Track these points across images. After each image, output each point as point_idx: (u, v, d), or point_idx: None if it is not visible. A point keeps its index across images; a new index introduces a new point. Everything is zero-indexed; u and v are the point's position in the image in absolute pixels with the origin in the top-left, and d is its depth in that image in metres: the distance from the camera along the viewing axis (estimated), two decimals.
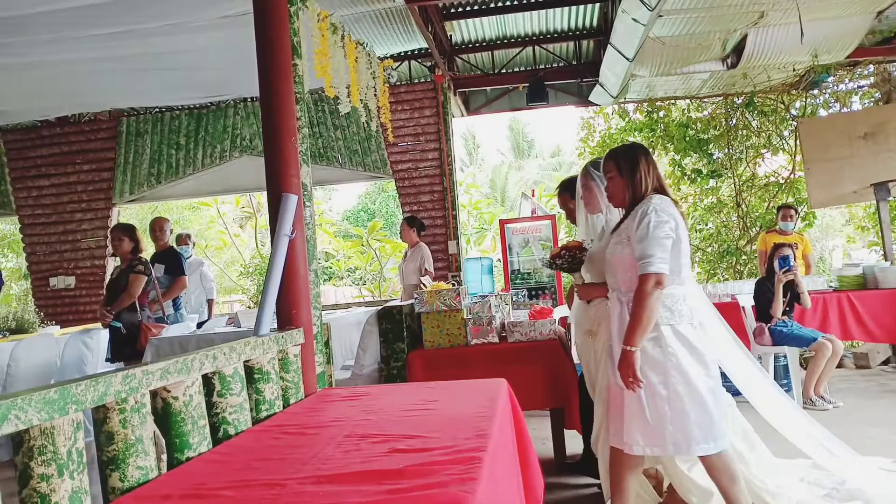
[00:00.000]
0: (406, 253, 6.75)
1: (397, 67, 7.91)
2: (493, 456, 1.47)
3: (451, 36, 7.94)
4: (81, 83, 6.41)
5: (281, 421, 1.98)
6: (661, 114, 8.37)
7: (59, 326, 6.84)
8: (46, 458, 1.25)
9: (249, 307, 11.20)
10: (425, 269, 6.46)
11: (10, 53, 5.18)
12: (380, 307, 4.24)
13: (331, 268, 15.79)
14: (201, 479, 1.43)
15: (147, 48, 5.34)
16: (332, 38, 4.55)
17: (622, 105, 8.52)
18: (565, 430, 3.81)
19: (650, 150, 2.72)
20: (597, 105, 8.64)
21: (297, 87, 2.66)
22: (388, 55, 7.50)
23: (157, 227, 5.95)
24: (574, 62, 8.32)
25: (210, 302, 6.98)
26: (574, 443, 3.97)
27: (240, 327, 5.02)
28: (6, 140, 8.36)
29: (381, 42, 7.22)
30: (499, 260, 9.52)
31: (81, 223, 8.32)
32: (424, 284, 4.01)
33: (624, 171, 2.68)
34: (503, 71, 8.41)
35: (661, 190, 2.67)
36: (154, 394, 1.63)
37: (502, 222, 8.13)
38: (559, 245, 3.46)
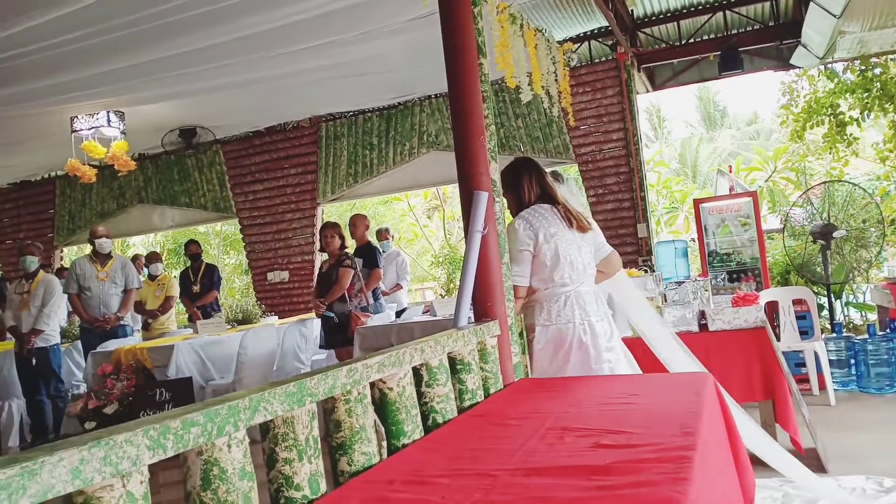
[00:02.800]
0: None
1: (577, 49, 7.79)
2: (703, 455, 1.43)
3: (632, 11, 7.66)
4: (287, 94, 7.05)
5: (484, 411, 2.07)
6: (878, 71, 7.47)
7: (277, 317, 7.59)
8: (288, 444, 1.42)
9: (442, 296, 11.67)
10: None
11: (227, 73, 5.83)
12: None
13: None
14: (418, 465, 1.54)
15: (343, 57, 5.75)
16: (512, 28, 4.58)
17: (829, 66, 7.71)
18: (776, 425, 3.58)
19: (533, 164, 2.99)
20: (799, 68, 7.90)
21: (483, 86, 2.73)
22: (567, 38, 7.41)
23: (357, 223, 6.40)
24: (771, 23, 7.66)
25: (397, 286, 7.44)
26: (785, 438, 3.72)
27: (435, 316, 5.26)
28: (225, 150, 9.39)
29: (560, 25, 7.16)
30: (693, 240, 9.06)
31: (291, 222, 9.15)
32: None
33: (510, 188, 2.90)
34: (691, 41, 7.96)
35: (546, 198, 2.87)
36: (372, 385, 1.78)
37: (696, 202, 7.71)
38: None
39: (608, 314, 2.84)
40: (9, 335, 6.58)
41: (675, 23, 7.88)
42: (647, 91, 8.70)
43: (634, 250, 7.56)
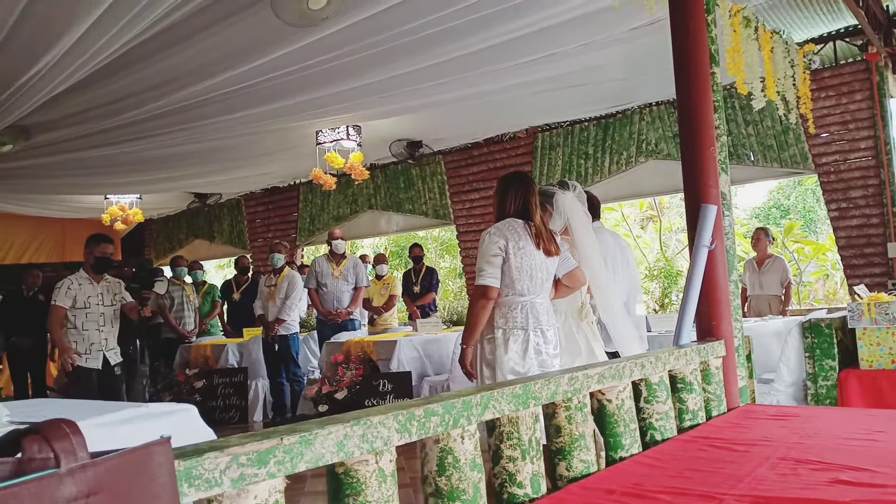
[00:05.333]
0: (756, 263, 6.83)
1: (819, 51, 7.13)
2: None
3: (887, 7, 6.85)
4: (506, 107, 7.27)
5: (706, 433, 2.00)
6: None
7: None
8: (513, 443, 1.50)
9: (655, 311, 11.26)
10: (790, 281, 6.61)
11: (450, 89, 6.15)
12: (804, 318, 3.90)
13: (738, 270, 14.88)
14: (638, 479, 1.54)
15: (562, 69, 5.82)
16: (745, 31, 4.34)
17: None
18: None
19: (524, 182, 3.22)
20: None
21: (714, 95, 2.64)
22: (808, 39, 6.83)
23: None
24: None
25: None
26: None
27: (650, 331, 5.12)
28: (446, 161, 9.87)
29: (801, 25, 6.62)
30: None
31: None
32: (860, 295, 3.57)
33: (498, 196, 3.21)
34: None
35: (524, 213, 3.09)
36: (592, 395, 1.81)
37: None
38: None
39: (556, 325, 3.13)
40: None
41: None
42: None
43: (883, 272, 6.73)
